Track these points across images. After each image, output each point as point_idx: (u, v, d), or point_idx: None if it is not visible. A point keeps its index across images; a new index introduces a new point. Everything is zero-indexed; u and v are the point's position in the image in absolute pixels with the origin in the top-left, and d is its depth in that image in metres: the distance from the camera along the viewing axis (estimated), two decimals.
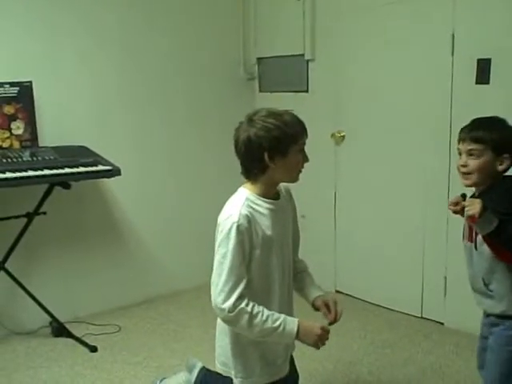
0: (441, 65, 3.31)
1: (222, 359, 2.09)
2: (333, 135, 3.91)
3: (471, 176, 2.06)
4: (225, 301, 1.85)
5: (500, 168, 2.03)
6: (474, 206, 1.94)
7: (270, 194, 2.02)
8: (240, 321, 1.86)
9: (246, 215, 1.90)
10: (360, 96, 3.78)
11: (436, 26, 3.31)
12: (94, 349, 3.26)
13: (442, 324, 3.48)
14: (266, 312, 1.89)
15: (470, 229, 2.08)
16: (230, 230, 1.88)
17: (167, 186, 4.07)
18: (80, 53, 3.58)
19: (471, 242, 2.09)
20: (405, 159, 3.58)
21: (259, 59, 4.39)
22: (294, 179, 2.01)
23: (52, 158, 3.23)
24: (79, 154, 3.35)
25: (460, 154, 2.10)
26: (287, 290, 2.09)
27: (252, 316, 1.86)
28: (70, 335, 3.37)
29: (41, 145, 3.37)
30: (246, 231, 1.89)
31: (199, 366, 2.61)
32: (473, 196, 2.09)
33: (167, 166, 4.05)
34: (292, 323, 1.92)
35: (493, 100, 3.12)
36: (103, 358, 3.18)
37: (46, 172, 3.09)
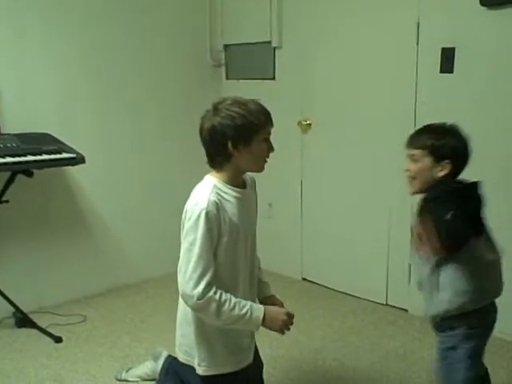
0: (406, 53, 3.33)
1: (184, 348, 2.09)
2: (299, 123, 3.91)
3: (414, 182, 2.12)
4: (194, 288, 1.85)
5: (440, 174, 2.05)
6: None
7: (237, 182, 2.02)
8: (209, 308, 1.87)
9: (215, 202, 1.90)
10: (326, 84, 3.78)
11: (402, 14, 3.33)
12: (58, 339, 3.21)
13: (406, 311, 3.53)
14: (234, 299, 1.90)
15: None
16: (198, 216, 1.87)
17: (132, 174, 4.03)
18: (42, 39, 3.51)
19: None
20: (370, 147, 3.60)
21: (226, 46, 4.36)
22: (260, 169, 2.02)
23: (14, 145, 3.17)
24: (42, 142, 3.28)
25: None
26: (250, 278, 2.10)
27: (220, 304, 1.87)
28: (33, 326, 3.32)
29: (3, 132, 3.30)
30: (215, 218, 1.89)
31: (165, 354, 2.61)
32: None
33: (132, 154, 4.01)
34: (258, 310, 1.93)
35: (456, 88, 3.16)
36: (68, 348, 3.15)
37: (8, 160, 3.03)
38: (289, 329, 2.01)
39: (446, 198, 1.98)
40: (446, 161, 2.03)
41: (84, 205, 3.81)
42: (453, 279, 2.01)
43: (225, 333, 1.98)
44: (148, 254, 4.13)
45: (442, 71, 3.21)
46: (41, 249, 3.61)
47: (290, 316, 2.01)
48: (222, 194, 1.95)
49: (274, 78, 4.08)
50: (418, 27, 3.26)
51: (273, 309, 2.00)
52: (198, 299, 1.85)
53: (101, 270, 3.89)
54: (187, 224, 1.91)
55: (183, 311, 2.02)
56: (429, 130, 2.12)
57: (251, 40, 4.18)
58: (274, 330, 1.98)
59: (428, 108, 3.29)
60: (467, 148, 2.08)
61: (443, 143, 2.04)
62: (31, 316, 3.38)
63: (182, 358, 2.11)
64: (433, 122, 3.24)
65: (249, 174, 2.11)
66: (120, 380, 2.78)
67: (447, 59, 3.18)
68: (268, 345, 2.52)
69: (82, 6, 3.66)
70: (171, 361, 2.47)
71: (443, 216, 1.87)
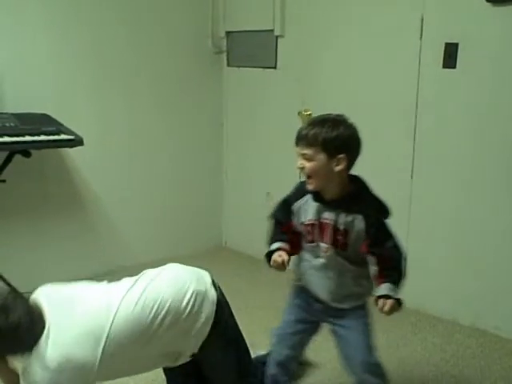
0: (409, 48, 3.32)
1: None
2: (300, 113, 3.89)
3: (312, 180, 2.04)
4: None
5: (337, 169, 1.99)
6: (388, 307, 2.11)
7: None
8: None
9: None
10: (328, 75, 3.77)
11: (406, 8, 3.31)
12: None
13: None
14: None
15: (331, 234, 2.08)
16: None
17: (130, 158, 4.02)
18: (43, 20, 3.48)
19: (340, 246, 2.09)
20: (370, 140, 3.57)
21: (228, 33, 4.33)
22: None
23: (13, 124, 3.14)
24: (41, 122, 3.26)
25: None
26: None
27: None
28: None
29: (1, 111, 3.28)
30: None
31: None
32: (322, 201, 2.08)
33: (130, 138, 3.99)
34: None
35: (459, 84, 3.16)
36: None
37: (6, 139, 3.00)
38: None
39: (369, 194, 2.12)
40: (341, 155, 1.99)
41: (81, 187, 3.79)
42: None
43: None
44: (145, 237, 4.13)
45: (444, 66, 3.20)
46: (37, 230, 3.61)
47: None
48: None
49: (275, 67, 4.06)
50: (422, 21, 3.25)
51: None
52: None
53: (97, 252, 3.89)
54: None
55: None
56: (317, 125, 2.02)
57: (253, 28, 4.15)
58: None
59: (430, 103, 3.29)
60: (359, 138, 2.06)
61: (335, 137, 1.98)
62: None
63: None
64: (435, 117, 3.29)
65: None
66: None
67: (450, 54, 3.16)
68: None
69: None
70: None
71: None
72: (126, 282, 2.08)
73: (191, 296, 2.02)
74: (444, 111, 3.25)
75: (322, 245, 2.11)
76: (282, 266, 2.08)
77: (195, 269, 2.21)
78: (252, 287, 3.73)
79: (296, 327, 2.28)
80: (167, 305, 1.98)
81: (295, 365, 2.38)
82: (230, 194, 4.53)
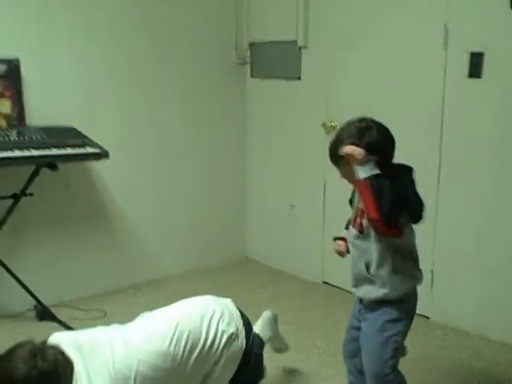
0: (434, 57, 3.28)
1: None
2: (324, 124, 3.87)
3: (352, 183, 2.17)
4: None
5: None
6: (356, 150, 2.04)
7: None
8: None
9: None
10: (352, 86, 3.75)
11: (430, 17, 3.29)
12: None
13: (428, 318, 3.48)
14: None
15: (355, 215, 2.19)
16: None
17: (156, 170, 4.03)
18: (69, 33, 3.53)
19: (357, 228, 2.17)
20: (395, 151, 3.55)
21: (251, 44, 4.34)
22: None
23: (39, 138, 3.19)
24: (67, 136, 3.30)
25: None
26: None
27: None
28: (54, 319, 3.34)
29: (28, 125, 3.32)
30: None
31: None
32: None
33: (156, 150, 4.01)
34: None
35: (485, 94, 3.12)
36: None
37: (34, 152, 3.05)
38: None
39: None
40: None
41: (107, 200, 3.82)
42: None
43: None
44: (170, 251, 4.13)
45: (470, 76, 3.16)
46: (63, 244, 3.64)
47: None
48: None
49: (299, 78, 4.05)
50: (447, 31, 3.22)
51: None
52: None
53: (122, 265, 3.91)
54: None
55: None
56: (334, 139, 2.15)
57: (277, 38, 4.15)
58: None
59: (455, 113, 3.25)
60: (381, 140, 2.17)
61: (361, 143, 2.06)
62: (52, 309, 3.40)
63: None
64: (461, 127, 3.25)
65: None
66: None
67: (476, 64, 3.13)
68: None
69: (108, 3, 3.67)
70: None
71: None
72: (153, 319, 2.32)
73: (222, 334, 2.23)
74: (470, 121, 3.21)
75: (352, 230, 2.21)
76: (339, 255, 2.32)
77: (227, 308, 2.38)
78: (275, 300, 3.71)
79: (351, 334, 2.32)
80: (200, 341, 2.18)
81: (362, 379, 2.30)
82: (254, 206, 4.52)
